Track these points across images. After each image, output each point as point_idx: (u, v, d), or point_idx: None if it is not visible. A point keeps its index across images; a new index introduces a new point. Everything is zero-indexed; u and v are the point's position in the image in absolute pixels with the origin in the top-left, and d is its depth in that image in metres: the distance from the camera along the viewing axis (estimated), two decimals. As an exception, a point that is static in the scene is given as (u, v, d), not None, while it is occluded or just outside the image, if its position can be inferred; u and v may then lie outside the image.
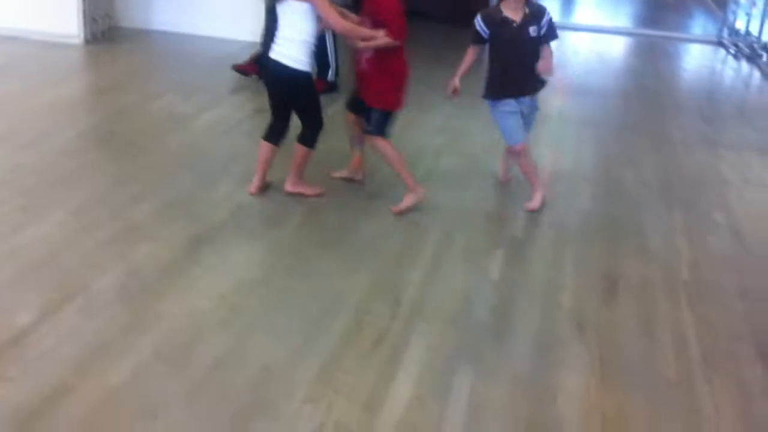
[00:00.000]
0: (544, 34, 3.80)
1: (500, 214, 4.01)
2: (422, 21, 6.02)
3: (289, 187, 3.93)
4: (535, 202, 3.98)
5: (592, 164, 4.82)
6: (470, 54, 3.89)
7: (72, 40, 6.40)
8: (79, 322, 2.84)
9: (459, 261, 3.50)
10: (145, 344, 2.73)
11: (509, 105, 3.86)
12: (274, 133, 3.87)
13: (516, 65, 3.87)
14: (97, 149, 4.60)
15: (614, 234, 3.84)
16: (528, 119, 3.99)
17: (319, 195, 3.94)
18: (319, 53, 5.73)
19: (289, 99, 3.76)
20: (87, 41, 6.47)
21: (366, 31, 3.62)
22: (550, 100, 5.96)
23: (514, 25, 3.76)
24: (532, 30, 3.76)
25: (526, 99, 3.91)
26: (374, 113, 3.81)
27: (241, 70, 5.72)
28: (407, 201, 3.86)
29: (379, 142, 3.84)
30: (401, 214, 3.83)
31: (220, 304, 3.02)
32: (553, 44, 3.90)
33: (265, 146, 3.90)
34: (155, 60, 6.34)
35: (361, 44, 3.65)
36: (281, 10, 3.50)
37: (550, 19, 3.82)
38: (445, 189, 4.21)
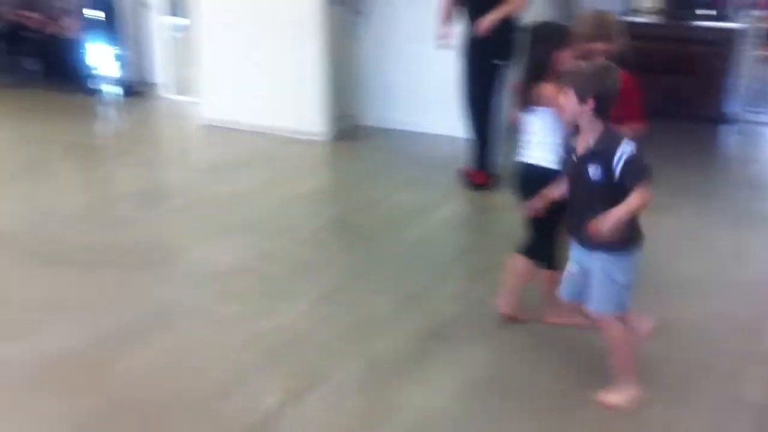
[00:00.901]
0: (620, 177, 2.76)
1: (751, 325, 3.69)
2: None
3: (552, 318, 3.59)
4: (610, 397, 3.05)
5: None
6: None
7: (318, 137, 6.86)
8: (320, 411, 2.93)
9: (709, 380, 3.22)
10: (383, 439, 2.76)
11: (571, 243, 3.12)
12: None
13: (573, 207, 3.04)
14: (338, 240, 4.83)
15: None
16: (590, 279, 3.00)
17: (583, 325, 3.45)
18: (481, 141, 5.64)
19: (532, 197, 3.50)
20: (331, 138, 6.90)
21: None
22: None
23: (574, 158, 2.94)
24: (593, 170, 2.83)
25: (593, 254, 2.97)
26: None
27: (478, 184, 5.75)
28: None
29: None
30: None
31: (452, 403, 3.00)
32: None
33: (519, 260, 3.61)
34: (392, 156, 6.61)
35: None
36: (532, 119, 3.50)
37: (627, 158, 2.74)
38: (686, 297, 3.96)
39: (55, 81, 8.77)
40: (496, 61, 5.28)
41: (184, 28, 8.18)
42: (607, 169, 2.77)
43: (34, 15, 8.92)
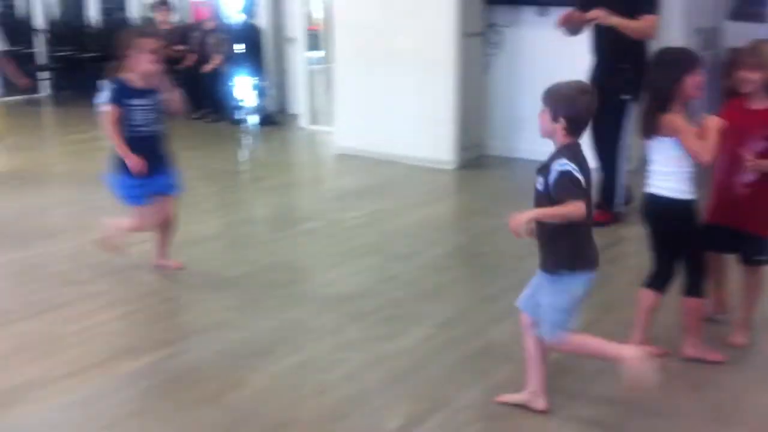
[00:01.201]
0: (552, 190, 2.82)
1: None
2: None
3: (689, 351, 3.43)
4: None
5: None
6: None
7: (446, 165, 6.92)
8: (440, 435, 2.93)
9: None
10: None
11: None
12: (658, 280, 3.47)
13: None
14: (462, 267, 4.84)
15: None
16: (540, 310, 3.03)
17: (720, 362, 3.42)
18: (606, 178, 5.44)
19: (668, 233, 3.41)
20: (459, 167, 6.94)
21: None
22: None
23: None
24: (540, 183, 2.90)
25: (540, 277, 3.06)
26: (762, 239, 3.52)
27: (597, 222, 5.59)
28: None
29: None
30: None
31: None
32: None
33: (647, 294, 3.49)
34: (519, 185, 6.54)
35: (750, 166, 3.38)
36: (653, 147, 3.39)
37: (558, 173, 2.78)
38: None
39: (200, 112, 9.24)
40: (623, 96, 5.14)
41: (321, 61, 8.46)
42: (547, 182, 2.82)
43: (182, 48, 9.45)
